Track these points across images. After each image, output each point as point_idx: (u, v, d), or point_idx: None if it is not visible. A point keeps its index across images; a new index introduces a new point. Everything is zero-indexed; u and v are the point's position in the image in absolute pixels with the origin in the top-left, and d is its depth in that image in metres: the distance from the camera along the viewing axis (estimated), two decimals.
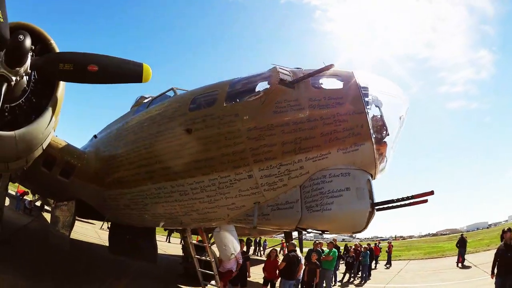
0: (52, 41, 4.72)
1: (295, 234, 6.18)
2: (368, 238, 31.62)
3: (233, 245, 5.88)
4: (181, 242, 12.85)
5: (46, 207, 19.09)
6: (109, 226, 9.02)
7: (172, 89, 6.57)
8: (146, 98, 7.68)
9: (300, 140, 4.57)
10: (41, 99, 4.83)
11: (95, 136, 8.39)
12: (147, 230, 8.41)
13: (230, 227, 5.75)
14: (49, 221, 9.75)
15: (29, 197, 19.05)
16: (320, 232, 5.29)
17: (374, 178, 4.82)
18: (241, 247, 8.16)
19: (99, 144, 7.56)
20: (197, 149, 5.03)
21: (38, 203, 19.09)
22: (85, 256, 9.96)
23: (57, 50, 4.70)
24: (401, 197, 5.06)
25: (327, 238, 17.17)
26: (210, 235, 7.14)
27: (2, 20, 4.08)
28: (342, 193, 4.59)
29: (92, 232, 15.65)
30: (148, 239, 8.72)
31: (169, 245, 18.20)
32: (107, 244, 9.46)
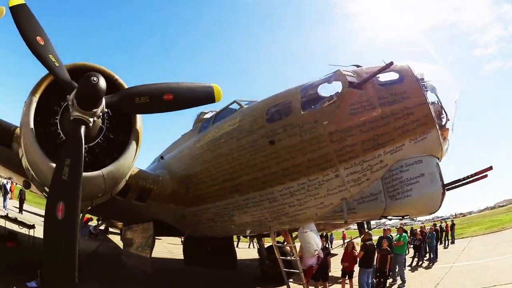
0: (117, 77, 5.09)
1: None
2: (428, 220, 30.99)
3: (316, 242, 6.22)
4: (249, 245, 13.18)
5: (110, 230, 19.80)
6: (183, 239, 9.37)
7: (235, 101, 6.96)
8: (206, 113, 8.17)
9: (377, 136, 4.97)
10: (118, 134, 5.23)
11: (161, 157, 8.88)
12: (227, 239, 8.88)
13: (312, 225, 6.11)
14: (116, 243, 10.17)
15: (92, 223, 19.89)
16: (401, 217, 5.74)
17: (440, 161, 5.25)
18: (322, 243, 8.39)
19: (171, 164, 8.00)
20: (283, 158, 5.39)
21: (102, 227, 19.72)
22: (161, 271, 10.45)
23: (125, 85, 5.08)
24: (465, 176, 5.66)
25: (386, 225, 16.99)
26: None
27: (57, 64, 4.42)
28: (418, 179, 4.98)
29: (160, 247, 16.28)
30: (228, 247, 9.25)
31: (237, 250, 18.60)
32: (175, 257, 9.91)
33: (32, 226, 13.04)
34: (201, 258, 8.58)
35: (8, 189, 23.42)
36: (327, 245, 12.80)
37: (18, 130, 7.09)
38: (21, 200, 22.32)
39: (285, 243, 8.21)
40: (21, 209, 22.78)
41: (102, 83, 4.13)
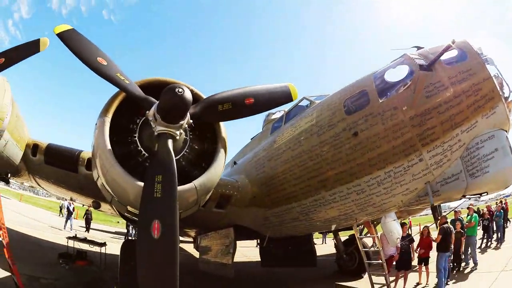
0: (193, 87, 5.12)
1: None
2: (491, 198, 29.77)
3: (397, 230, 6.42)
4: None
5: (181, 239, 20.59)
6: (259, 241, 9.58)
7: (304, 98, 7.17)
8: (274, 113, 8.43)
9: (453, 116, 5.11)
10: (202, 144, 5.32)
11: (234, 163, 9.15)
12: (307, 236, 9.08)
13: (393, 214, 6.30)
14: (189, 252, 10.32)
15: None
16: (479, 195, 5.68)
17: (508, 133, 5.38)
18: (404, 231, 8.94)
19: (248, 168, 8.18)
20: (368, 148, 5.48)
21: None
22: (239, 275, 10.57)
23: (202, 95, 5.18)
24: None
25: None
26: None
27: (127, 81, 4.51)
28: (493, 154, 5.11)
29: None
30: (308, 245, 9.41)
31: None
32: (250, 259, 10.12)
33: (103, 244, 13.62)
34: (280, 258, 8.76)
35: (72, 210, 24.61)
36: (409, 233, 12.75)
37: (83, 154, 8.07)
38: (87, 219, 23.51)
39: (368, 234, 8.53)
40: (88, 228, 23.91)
41: (188, 94, 4.13)
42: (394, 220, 6.31)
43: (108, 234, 25.75)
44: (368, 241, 10.42)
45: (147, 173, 4.15)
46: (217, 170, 5.04)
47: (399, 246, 8.32)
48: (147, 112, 4.31)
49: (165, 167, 4.07)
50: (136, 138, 4.82)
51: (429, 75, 5.28)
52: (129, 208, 5.03)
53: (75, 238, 14.09)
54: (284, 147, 6.88)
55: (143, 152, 4.76)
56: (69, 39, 4.43)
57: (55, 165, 8.28)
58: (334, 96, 6.27)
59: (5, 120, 6.87)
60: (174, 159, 4.18)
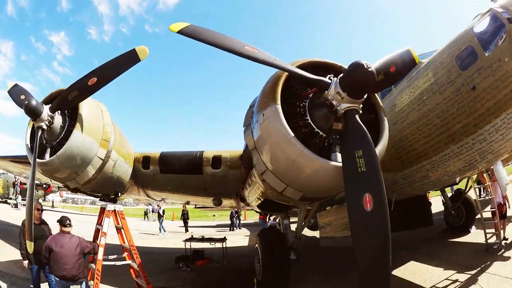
0: (343, 66, 5.04)
1: None
2: None
3: (505, 176, 7.16)
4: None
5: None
6: None
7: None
8: None
9: None
10: (363, 115, 5.19)
11: None
12: (422, 196, 9.24)
13: (499, 162, 7.03)
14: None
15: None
16: None
17: None
18: None
19: None
20: (486, 99, 5.70)
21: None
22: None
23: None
24: None
25: None
26: None
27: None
28: None
29: None
30: (425, 204, 9.46)
31: None
32: None
33: (223, 239, 13.62)
34: (399, 221, 8.48)
35: (162, 213, 25.44)
36: None
37: (206, 154, 8.45)
38: (185, 219, 24.37)
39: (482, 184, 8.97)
40: (186, 227, 24.66)
41: (373, 69, 4.17)
42: (501, 167, 6.92)
43: (209, 229, 26.31)
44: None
45: (344, 150, 4.38)
46: (387, 138, 5.18)
47: (505, 195, 8.70)
48: (326, 91, 4.41)
49: (363, 141, 4.17)
50: (310, 121, 4.79)
51: None
52: (305, 195, 5.23)
53: (192, 239, 14.22)
54: (407, 109, 7.11)
55: (321, 133, 4.75)
56: (198, 33, 4.36)
57: (174, 171, 8.64)
58: (442, 54, 6.50)
59: (110, 140, 7.16)
60: (367, 132, 4.24)
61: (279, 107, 4.60)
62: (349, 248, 8.09)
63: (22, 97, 6.47)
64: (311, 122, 4.78)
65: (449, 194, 12.58)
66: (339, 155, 4.58)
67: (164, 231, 24.53)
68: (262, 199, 7.04)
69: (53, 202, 46.07)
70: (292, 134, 4.49)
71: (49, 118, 6.22)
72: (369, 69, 4.04)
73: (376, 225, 3.94)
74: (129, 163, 8.30)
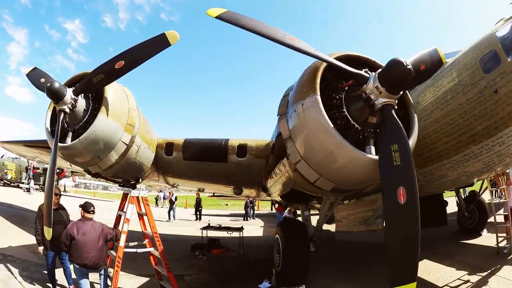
0: (377, 61, 5.23)
1: None
2: None
3: None
4: None
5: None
6: None
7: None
8: None
9: None
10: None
11: None
12: (438, 196, 9.38)
13: None
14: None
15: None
16: None
17: None
18: None
19: None
20: (507, 103, 5.78)
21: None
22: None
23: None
24: None
25: None
26: None
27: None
28: None
29: None
30: (440, 204, 9.55)
31: None
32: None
33: (241, 229, 13.49)
34: None
35: (174, 199, 25.32)
36: None
37: (231, 142, 8.42)
38: (198, 208, 24.43)
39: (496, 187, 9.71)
40: (200, 216, 24.65)
41: (411, 67, 4.25)
42: None
43: (222, 218, 26.26)
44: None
45: (381, 144, 4.44)
46: (416, 134, 5.25)
47: None
48: (365, 85, 4.49)
49: (398, 136, 4.29)
50: (346, 113, 4.81)
51: None
52: (337, 186, 5.30)
53: (209, 227, 14.10)
54: (431, 107, 7.18)
55: (356, 125, 4.77)
56: (239, 19, 4.40)
57: (198, 159, 8.60)
58: (466, 55, 6.56)
59: (135, 125, 6.99)
60: (402, 127, 4.38)
61: (319, 97, 4.59)
62: (365, 242, 8.21)
63: (43, 80, 6.32)
64: (347, 114, 4.78)
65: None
66: (372, 148, 4.66)
67: (174, 218, 24.43)
68: (288, 189, 7.10)
69: (65, 186, 46.15)
70: (332, 125, 4.50)
71: (72, 101, 6.00)
72: (408, 67, 4.12)
73: (408, 218, 4.09)
74: (152, 149, 8.18)
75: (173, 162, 8.69)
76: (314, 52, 4.47)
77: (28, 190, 31.75)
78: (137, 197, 8.40)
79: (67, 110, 5.97)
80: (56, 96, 5.80)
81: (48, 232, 6.08)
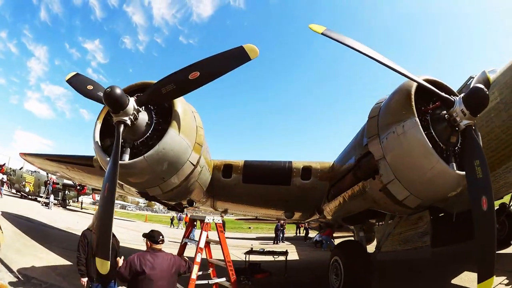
0: (449, 86, 5.46)
1: None
2: None
3: None
4: None
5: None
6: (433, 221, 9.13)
7: (471, 77, 7.53)
8: None
9: None
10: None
11: None
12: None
13: None
14: None
15: None
16: None
17: None
18: None
19: None
20: None
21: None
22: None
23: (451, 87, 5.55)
24: None
25: None
26: None
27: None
28: None
29: None
30: (468, 217, 8.49)
31: None
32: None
33: (285, 253, 12.65)
34: (450, 235, 8.52)
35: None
36: None
37: (295, 164, 8.05)
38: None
39: None
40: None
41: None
42: None
43: (249, 241, 25.35)
44: None
45: (467, 160, 4.74)
46: None
47: None
48: (452, 108, 4.86)
49: (479, 153, 4.66)
50: (433, 134, 5.13)
51: None
52: (422, 203, 5.55)
53: (251, 252, 13.18)
54: (478, 125, 7.27)
55: (442, 145, 5.12)
56: (342, 38, 4.80)
57: (258, 181, 8.15)
58: (506, 75, 6.68)
59: (203, 144, 6.35)
60: (481, 145, 4.93)
61: (417, 120, 4.87)
62: (405, 260, 8.92)
63: (90, 87, 5.56)
64: (434, 135, 5.10)
65: None
66: (454, 165, 5.00)
67: (194, 240, 23.32)
68: (361, 210, 7.19)
69: (81, 203, 45.58)
70: (431, 146, 4.80)
71: (135, 112, 5.07)
72: (487, 93, 4.65)
73: (489, 223, 4.48)
74: (210, 170, 7.55)
75: (231, 185, 8.05)
76: (407, 73, 4.87)
77: (47, 204, 31.43)
78: (209, 224, 7.57)
79: (128, 122, 5.03)
80: (117, 104, 4.85)
81: (104, 266, 4.67)
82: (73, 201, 43.50)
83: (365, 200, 6.55)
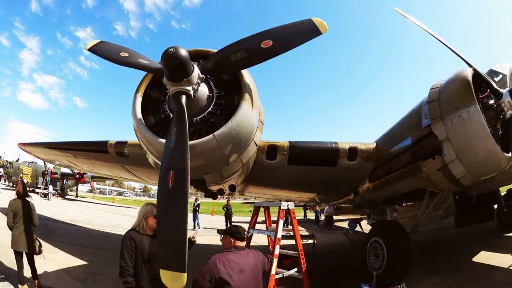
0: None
1: None
2: None
3: None
4: None
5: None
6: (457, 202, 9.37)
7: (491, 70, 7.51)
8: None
9: None
10: None
11: None
12: (495, 192, 9.81)
13: None
14: None
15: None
16: None
17: None
18: None
19: None
20: None
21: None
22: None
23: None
24: None
25: None
26: None
27: None
28: None
29: None
30: (493, 200, 9.97)
31: None
32: None
33: (313, 236, 12.53)
34: (471, 216, 8.86)
35: (197, 208, 24.39)
36: None
37: (341, 145, 7.85)
38: (229, 215, 23.75)
39: None
40: (230, 223, 23.96)
41: None
42: None
43: (258, 225, 25.18)
44: None
45: None
46: None
47: None
48: (502, 99, 5.51)
49: None
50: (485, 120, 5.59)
51: None
52: (474, 180, 5.96)
53: (284, 237, 13.04)
54: None
55: (491, 130, 5.45)
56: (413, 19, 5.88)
57: (304, 163, 7.88)
58: None
59: (264, 122, 5.53)
60: None
61: (479, 107, 5.34)
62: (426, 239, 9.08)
63: (124, 54, 4.54)
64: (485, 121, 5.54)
65: None
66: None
67: (199, 227, 22.96)
68: (411, 189, 7.40)
69: (77, 191, 43.17)
70: (489, 130, 5.30)
71: (199, 81, 4.14)
72: None
73: None
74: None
75: (274, 167, 7.58)
76: (466, 59, 5.68)
77: (46, 195, 30.93)
78: (285, 210, 7.37)
79: (192, 92, 4.07)
80: (181, 70, 3.89)
81: (179, 280, 3.28)
82: (71, 190, 42.53)
83: (419, 179, 6.81)
